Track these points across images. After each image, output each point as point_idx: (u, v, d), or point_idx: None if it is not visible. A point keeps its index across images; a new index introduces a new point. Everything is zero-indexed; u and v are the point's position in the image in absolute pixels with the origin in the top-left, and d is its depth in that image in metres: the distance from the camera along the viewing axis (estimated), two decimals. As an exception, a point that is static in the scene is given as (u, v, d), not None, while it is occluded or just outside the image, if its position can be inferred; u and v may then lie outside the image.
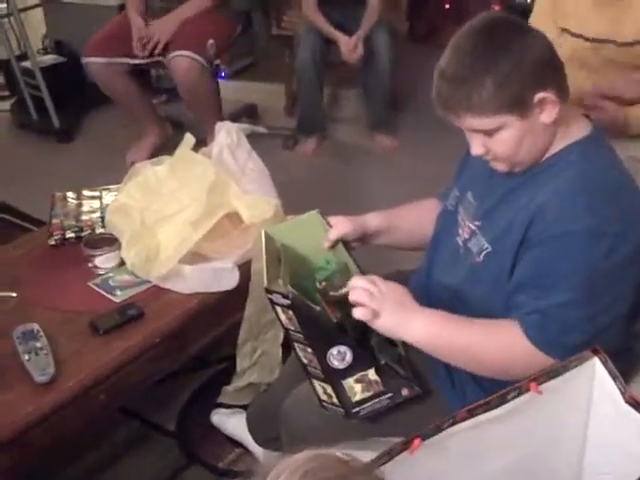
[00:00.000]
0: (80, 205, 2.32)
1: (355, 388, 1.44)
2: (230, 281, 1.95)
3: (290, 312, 1.40)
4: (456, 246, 1.57)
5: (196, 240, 1.94)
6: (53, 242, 2.16)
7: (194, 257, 1.97)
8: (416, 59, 3.57)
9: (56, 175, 3.55)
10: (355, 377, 1.44)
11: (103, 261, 2.02)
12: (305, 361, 1.46)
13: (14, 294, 1.96)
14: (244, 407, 2.12)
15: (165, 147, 3.28)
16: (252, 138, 2.28)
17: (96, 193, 2.37)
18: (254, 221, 1.99)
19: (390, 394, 1.45)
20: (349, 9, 3.76)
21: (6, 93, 4.49)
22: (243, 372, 2.12)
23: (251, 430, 2.03)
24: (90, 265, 2.03)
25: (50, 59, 4.27)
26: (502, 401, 1.13)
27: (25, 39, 4.00)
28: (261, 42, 4.36)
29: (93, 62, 3.48)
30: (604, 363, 1.17)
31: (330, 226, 1.63)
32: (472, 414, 1.10)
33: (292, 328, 1.43)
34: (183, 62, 3.34)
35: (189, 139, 2.18)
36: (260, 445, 2.02)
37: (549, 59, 1.37)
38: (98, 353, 1.78)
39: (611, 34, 2.08)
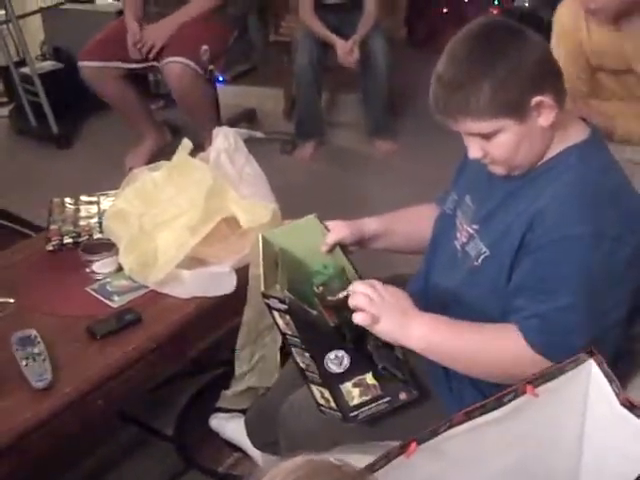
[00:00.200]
0: (78, 211, 2.32)
1: (353, 392, 1.44)
2: (228, 285, 1.95)
3: (287, 317, 1.40)
4: (454, 250, 1.57)
5: (193, 245, 1.95)
6: (51, 248, 2.16)
7: (192, 262, 1.98)
8: (415, 64, 3.57)
9: (55, 181, 3.56)
10: (353, 381, 1.43)
11: (100, 266, 2.02)
12: (303, 365, 1.46)
13: (12, 300, 1.96)
14: (243, 411, 2.12)
15: (163, 152, 3.28)
16: (250, 143, 2.28)
17: (94, 199, 2.38)
18: (251, 226, 1.99)
19: (388, 398, 1.45)
20: (346, 14, 3.78)
21: (5, 99, 4.52)
22: (241, 376, 2.11)
23: (249, 434, 2.03)
24: (88, 270, 2.03)
25: (49, 65, 4.28)
26: (498, 404, 1.13)
27: (24, 45, 4.02)
28: (259, 47, 4.37)
29: (87, 66, 3.49)
30: (600, 365, 1.17)
31: (328, 230, 1.63)
32: (469, 417, 1.10)
33: (289, 333, 1.43)
34: (176, 68, 3.35)
35: (186, 144, 2.18)
36: (259, 449, 2.01)
37: (546, 63, 1.37)
38: (96, 358, 1.78)
39: None
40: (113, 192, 2.31)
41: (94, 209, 2.32)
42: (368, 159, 3.86)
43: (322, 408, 1.48)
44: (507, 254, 1.41)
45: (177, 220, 2.00)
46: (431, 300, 1.55)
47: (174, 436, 2.25)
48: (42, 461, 1.77)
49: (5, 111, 4.35)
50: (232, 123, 3.62)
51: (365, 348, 1.45)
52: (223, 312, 2.01)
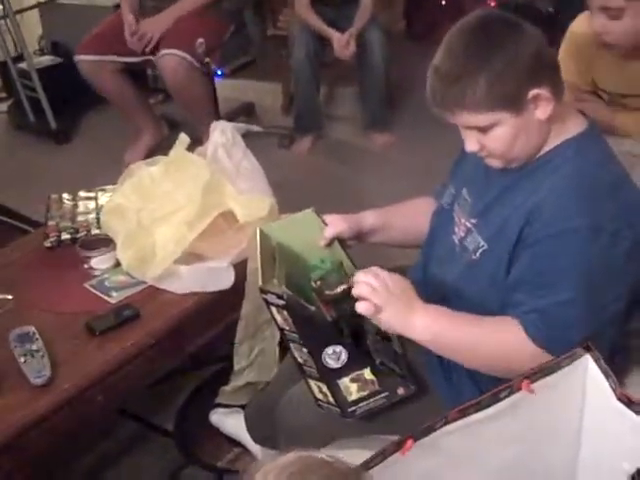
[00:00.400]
0: (76, 206, 2.32)
1: (351, 387, 1.44)
2: (226, 280, 1.95)
3: (285, 312, 1.40)
4: (452, 244, 1.56)
5: (191, 240, 1.94)
6: (49, 244, 2.16)
7: (189, 257, 1.97)
8: (414, 57, 3.56)
9: (54, 176, 3.56)
10: (351, 376, 1.43)
11: (98, 262, 2.02)
12: (300, 361, 1.46)
13: (10, 297, 1.96)
14: (242, 406, 2.11)
15: (161, 147, 3.28)
16: (248, 137, 2.27)
17: (92, 194, 2.37)
18: (249, 220, 1.98)
19: (386, 393, 1.45)
20: (342, 7, 3.76)
21: (3, 95, 4.50)
22: (240, 371, 2.11)
23: (249, 429, 2.03)
24: (86, 266, 2.03)
25: (47, 60, 4.26)
26: (494, 400, 1.13)
27: (21, 41, 4.00)
28: (257, 41, 4.36)
29: (84, 60, 3.49)
30: (596, 360, 1.17)
31: (325, 224, 1.63)
32: (464, 414, 1.10)
33: (287, 328, 1.43)
34: (171, 61, 3.34)
35: (183, 139, 2.18)
36: (258, 444, 2.01)
37: (543, 56, 1.37)
38: (94, 354, 1.78)
39: None
40: (111, 187, 2.30)
41: (92, 205, 2.32)
42: (365, 152, 3.85)
43: (320, 403, 1.48)
44: (505, 248, 1.40)
45: (175, 215, 2.00)
46: (429, 293, 1.54)
47: (174, 432, 2.25)
48: (41, 458, 1.76)
49: (3, 106, 4.35)
50: (230, 117, 3.62)
51: (363, 343, 1.45)
52: (221, 307, 2.01)
